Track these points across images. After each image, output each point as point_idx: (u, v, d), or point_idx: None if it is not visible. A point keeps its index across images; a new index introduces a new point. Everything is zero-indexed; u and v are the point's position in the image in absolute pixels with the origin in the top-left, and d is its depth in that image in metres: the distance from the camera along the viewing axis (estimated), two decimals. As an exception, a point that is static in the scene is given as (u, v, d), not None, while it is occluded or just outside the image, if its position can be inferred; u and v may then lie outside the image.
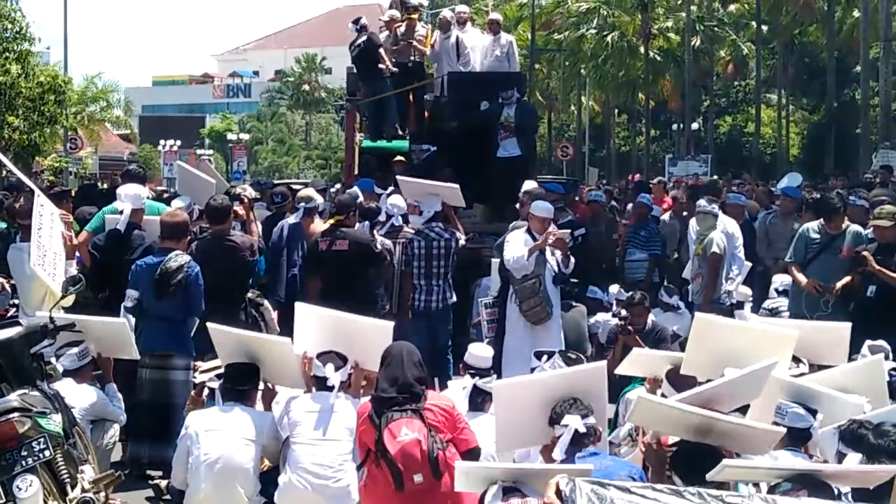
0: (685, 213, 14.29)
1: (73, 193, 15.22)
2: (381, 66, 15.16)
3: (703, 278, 11.53)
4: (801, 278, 10.77)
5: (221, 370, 7.89)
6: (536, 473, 5.39)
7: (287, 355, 7.71)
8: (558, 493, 3.49)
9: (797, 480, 4.67)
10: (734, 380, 6.29)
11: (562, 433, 6.06)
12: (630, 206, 15.85)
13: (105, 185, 11.18)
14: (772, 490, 4.69)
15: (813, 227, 10.97)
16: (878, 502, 4.87)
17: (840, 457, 5.82)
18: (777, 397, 6.51)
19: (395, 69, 15.24)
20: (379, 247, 10.64)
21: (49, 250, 8.98)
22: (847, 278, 10.52)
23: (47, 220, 9.11)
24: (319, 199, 11.82)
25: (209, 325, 7.93)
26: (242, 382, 7.61)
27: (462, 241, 11.20)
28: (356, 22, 15.70)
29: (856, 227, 10.82)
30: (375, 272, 10.67)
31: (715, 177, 29.24)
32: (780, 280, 12.10)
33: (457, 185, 11.39)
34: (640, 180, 25.58)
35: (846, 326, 8.31)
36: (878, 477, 4.88)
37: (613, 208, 17.37)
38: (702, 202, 12.02)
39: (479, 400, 7.65)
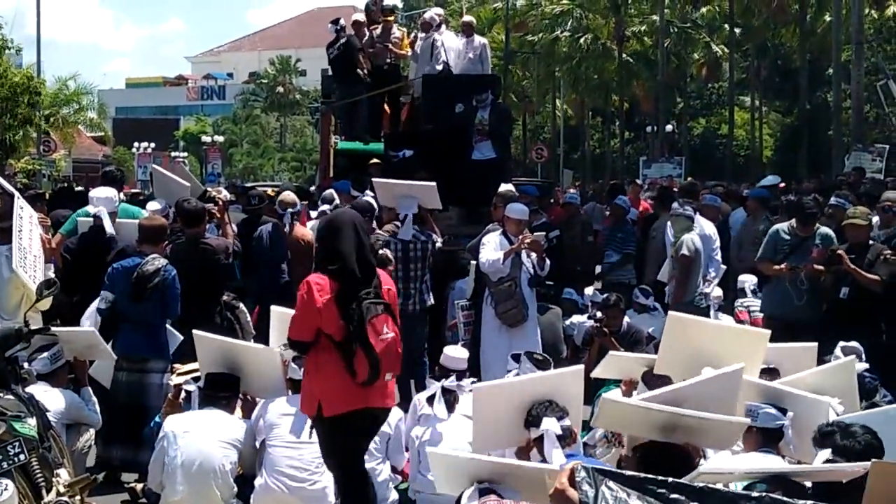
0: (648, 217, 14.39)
1: (46, 196, 15.19)
2: (358, 70, 15.19)
3: (675, 280, 11.58)
4: (775, 267, 10.79)
5: (198, 373, 7.90)
6: (513, 470, 5.42)
7: (270, 365, 7.72)
8: (571, 480, 3.47)
9: (770, 482, 4.71)
10: (698, 382, 6.31)
11: (537, 435, 6.09)
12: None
13: (80, 188, 11.12)
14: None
15: (783, 228, 11.01)
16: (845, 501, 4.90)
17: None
18: (745, 399, 6.56)
19: (367, 76, 15.27)
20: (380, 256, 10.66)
21: (29, 253, 8.95)
22: (819, 267, 10.51)
23: (27, 222, 9.08)
24: (300, 203, 11.85)
25: (194, 332, 7.93)
26: (222, 390, 7.62)
27: (439, 244, 11.21)
28: (335, 22, 15.70)
29: (825, 230, 10.87)
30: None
31: (689, 178, 29.37)
32: (752, 280, 12.18)
33: (433, 184, 11.38)
34: (616, 182, 25.64)
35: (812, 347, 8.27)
36: (847, 475, 4.92)
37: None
38: (675, 205, 12.07)
39: (450, 400, 7.74)
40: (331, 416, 6.35)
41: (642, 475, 3.47)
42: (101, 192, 9.89)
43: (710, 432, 5.77)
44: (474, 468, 5.46)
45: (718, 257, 12.24)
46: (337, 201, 12.47)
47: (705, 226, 12.23)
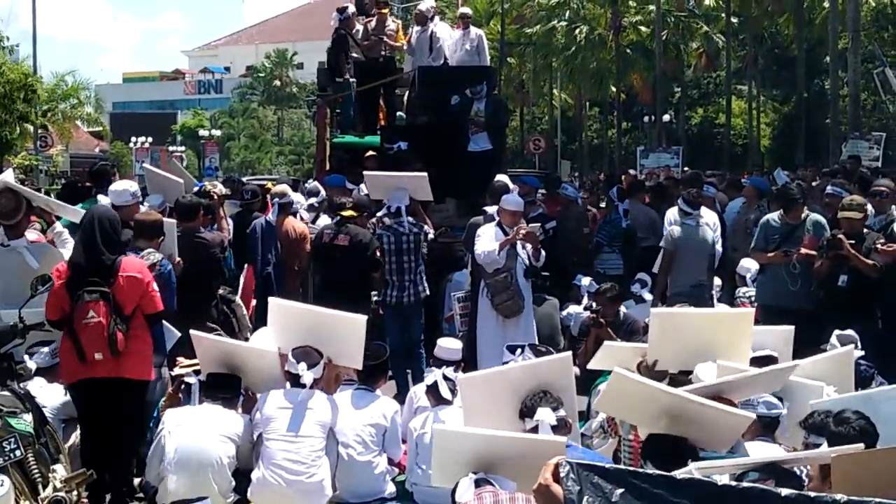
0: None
1: (49, 194, 15.18)
2: (346, 63, 15.21)
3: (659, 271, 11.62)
4: (768, 255, 10.79)
5: (199, 367, 7.91)
6: (513, 450, 5.42)
7: (270, 365, 7.73)
8: (555, 476, 3.47)
9: (763, 470, 4.71)
10: (751, 375, 6.32)
11: (532, 426, 6.10)
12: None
13: (89, 183, 11.09)
14: (739, 480, 4.72)
15: (773, 217, 10.99)
16: None
17: (805, 446, 5.88)
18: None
19: (347, 78, 15.25)
20: (378, 253, 10.69)
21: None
22: (812, 252, 10.50)
23: None
24: (294, 196, 11.83)
25: (191, 332, 7.93)
26: (224, 391, 7.63)
27: (431, 235, 11.23)
28: (341, 11, 15.63)
29: (816, 216, 10.85)
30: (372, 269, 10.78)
31: (686, 168, 29.38)
32: (753, 269, 12.12)
33: (424, 175, 11.39)
34: (610, 174, 25.63)
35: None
36: None
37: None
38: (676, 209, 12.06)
39: (451, 388, 7.80)
40: (69, 384, 7.62)
41: (628, 469, 3.48)
42: (118, 186, 9.91)
43: (711, 427, 5.73)
44: (474, 450, 5.45)
45: (719, 247, 12.25)
46: (322, 194, 12.48)
47: (708, 216, 12.23)
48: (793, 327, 8.23)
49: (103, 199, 9.82)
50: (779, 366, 6.50)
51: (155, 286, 7.69)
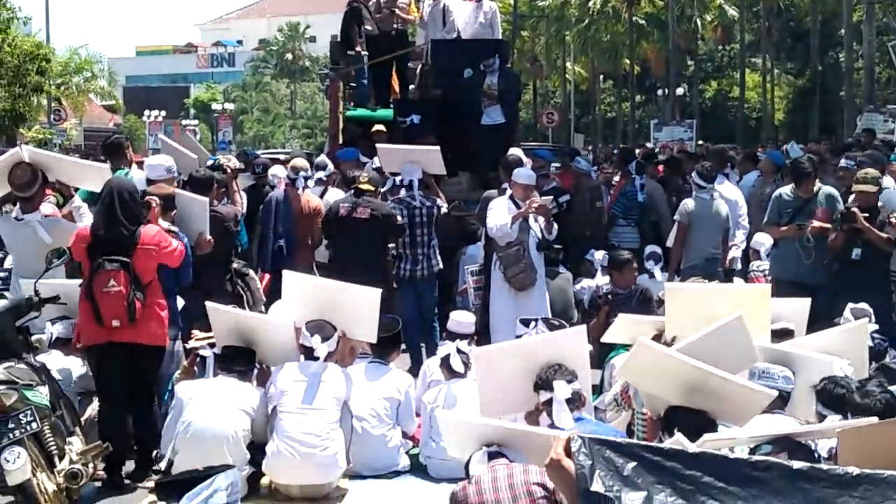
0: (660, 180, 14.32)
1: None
2: (358, 36, 15.16)
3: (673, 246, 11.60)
4: (781, 229, 10.76)
5: (214, 340, 7.94)
6: (523, 434, 5.44)
7: (285, 338, 7.76)
8: (567, 450, 3.48)
9: (775, 443, 4.73)
10: (699, 338, 6.32)
11: (546, 398, 6.12)
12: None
13: (103, 158, 11.03)
14: (752, 453, 4.74)
15: (786, 191, 10.94)
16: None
17: (819, 417, 5.89)
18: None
19: (358, 52, 15.19)
20: (400, 219, 10.66)
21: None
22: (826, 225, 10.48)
23: None
24: (307, 170, 11.80)
25: (207, 304, 7.96)
26: (238, 364, 7.66)
27: (444, 209, 11.22)
28: None
29: (828, 189, 10.81)
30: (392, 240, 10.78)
31: (700, 142, 29.30)
32: (768, 242, 12.07)
33: (437, 148, 11.38)
34: (626, 147, 25.56)
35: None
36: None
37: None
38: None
39: (465, 361, 7.88)
40: (85, 346, 7.85)
41: (639, 443, 3.49)
42: (153, 160, 9.90)
43: (731, 400, 5.74)
44: (483, 433, 5.48)
45: (745, 222, 12.20)
46: (330, 167, 12.45)
47: (730, 191, 12.18)
48: (809, 299, 8.24)
49: (138, 174, 9.82)
50: (723, 319, 6.47)
51: (173, 243, 7.92)
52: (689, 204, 11.46)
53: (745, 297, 7.61)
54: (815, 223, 10.41)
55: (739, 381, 5.85)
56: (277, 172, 11.76)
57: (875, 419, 5.00)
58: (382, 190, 11.16)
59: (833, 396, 5.88)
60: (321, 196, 11.81)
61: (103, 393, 7.85)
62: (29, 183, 8.77)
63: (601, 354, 8.58)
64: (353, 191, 10.75)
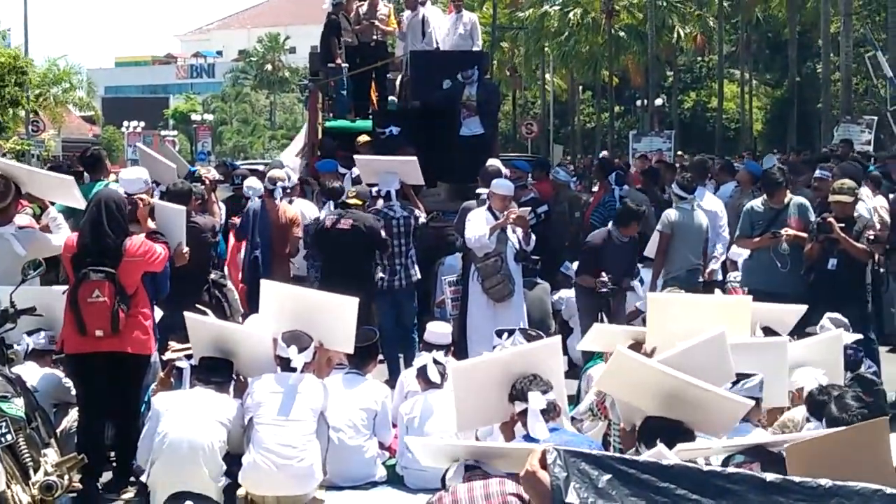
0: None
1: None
2: (337, 48, 15.15)
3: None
4: (755, 240, 10.79)
5: (191, 351, 7.91)
6: (498, 451, 5.45)
7: (262, 349, 7.74)
8: (542, 462, 3.48)
9: (749, 453, 4.74)
10: (681, 352, 6.33)
11: (521, 409, 6.13)
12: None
13: (81, 168, 10.99)
14: (725, 463, 4.76)
15: (756, 203, 10.98)
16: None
17: (805, 422, 5.91)
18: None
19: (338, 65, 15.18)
20: (384, 234, 10.67)
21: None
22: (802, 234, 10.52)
23: None
24: (285, 181, 11.78)
25: (185, 315, 7.94)
26: (215, 375, 7.63)
27: (422, 219, 11.23)
28: None
29: (799, 199, 10.86)
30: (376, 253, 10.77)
31: (679, 153, 29.38)
32: (744, 254, 12.11)
33: (414, 158, 11.41)
34: (605, 158, 25.60)
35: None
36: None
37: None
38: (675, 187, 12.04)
39: (441, 371, 7.88)
40: (68, 353, 7.80)
41: (615, 455, 3.50)
42: (129, 173, 9.84)
43: (709, 411, 5.74)
44: (454, 452, 5.48)
45: (726, 234, 12.22)
46: (294, 179, 12.41)
47: (711, 203, 12.23)
48: (805, 306, 8.28)
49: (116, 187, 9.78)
50: (706, 334, 6.49)
51: (157, 249, 7.96)
52: (671, 214, 11.48)
53: (727, 308, 7.63)
54: (790, 231, 10.45)
55: (718, 391, 5.87)
56: (252, 184, 11.75)
57: (822, 432, 5.00)
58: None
59: (817, 403, 5.91)
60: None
61: (84, 403, 7.83)
62: (2, 195, 8.72)
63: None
64: (333, 203, 10.79)
